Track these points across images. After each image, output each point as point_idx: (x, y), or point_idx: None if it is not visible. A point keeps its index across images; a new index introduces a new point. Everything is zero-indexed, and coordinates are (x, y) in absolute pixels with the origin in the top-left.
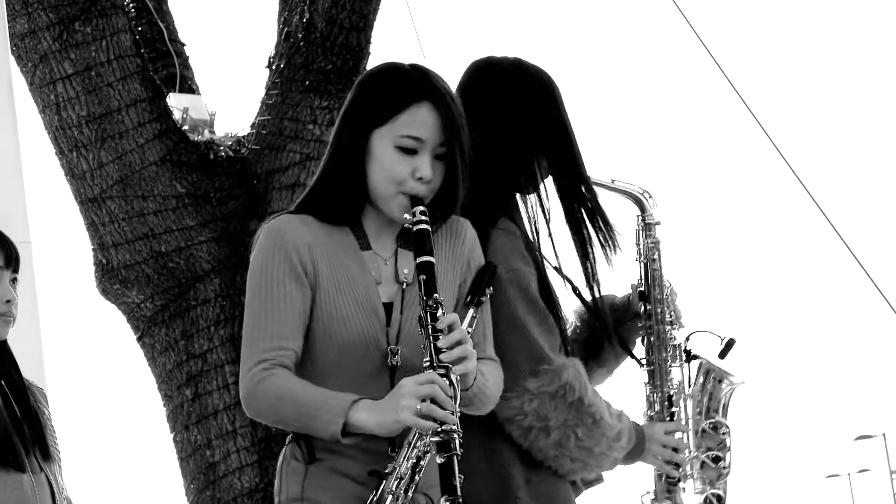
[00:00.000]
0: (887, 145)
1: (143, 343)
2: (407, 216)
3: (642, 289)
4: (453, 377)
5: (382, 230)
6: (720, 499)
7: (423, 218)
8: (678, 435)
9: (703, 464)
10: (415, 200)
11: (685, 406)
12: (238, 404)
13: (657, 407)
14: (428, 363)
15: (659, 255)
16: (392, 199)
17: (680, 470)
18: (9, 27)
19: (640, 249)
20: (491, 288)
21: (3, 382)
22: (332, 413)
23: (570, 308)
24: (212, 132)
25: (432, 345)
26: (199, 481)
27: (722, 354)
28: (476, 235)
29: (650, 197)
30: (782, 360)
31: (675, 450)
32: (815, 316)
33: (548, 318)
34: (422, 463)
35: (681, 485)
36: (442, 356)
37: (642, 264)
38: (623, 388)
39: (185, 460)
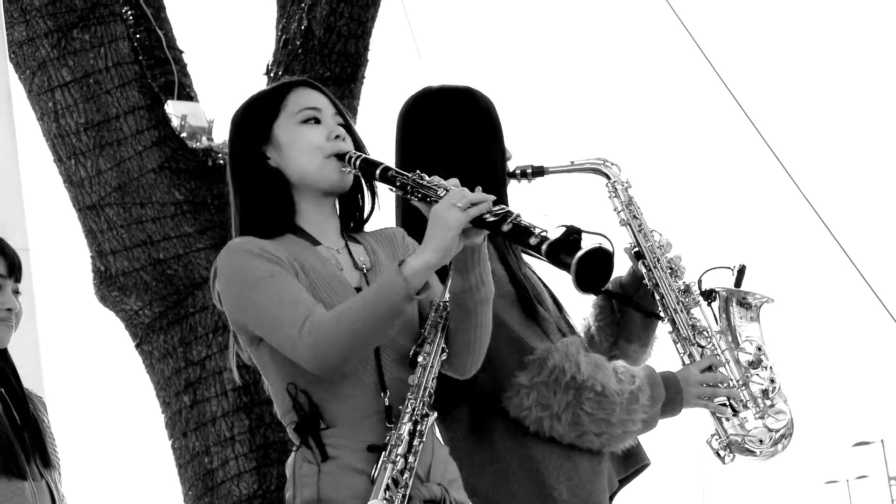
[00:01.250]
0: (887, 151)
1: (142, 350)
2: (344, 168)
3: (636, 249)
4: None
5: (325, 227)
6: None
7: (358, 153)
8: (720, 370)
9: (751, 388)
10: (343, 156)
11: (718, 343)
12: (237, 411)
13: (686, 351)
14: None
15: (639, 211)
16: (323, 167)
17: (730, 402)
18: (7, 34)
19: (618, 213)
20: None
21: (3, 390)
22: (388, 283)
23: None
24: (210, 139)
25: (441, 186)
26: (198, 488)
27: (737, 283)
28: (413, 242)
29: (611, 164)
30: (777, 359)
31: (719, 386)
32: (813, 322)
33: (529, 308)
34: (419, 427)
35: (740, 416)
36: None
37: (627, 226)
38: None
39: (184, 467)
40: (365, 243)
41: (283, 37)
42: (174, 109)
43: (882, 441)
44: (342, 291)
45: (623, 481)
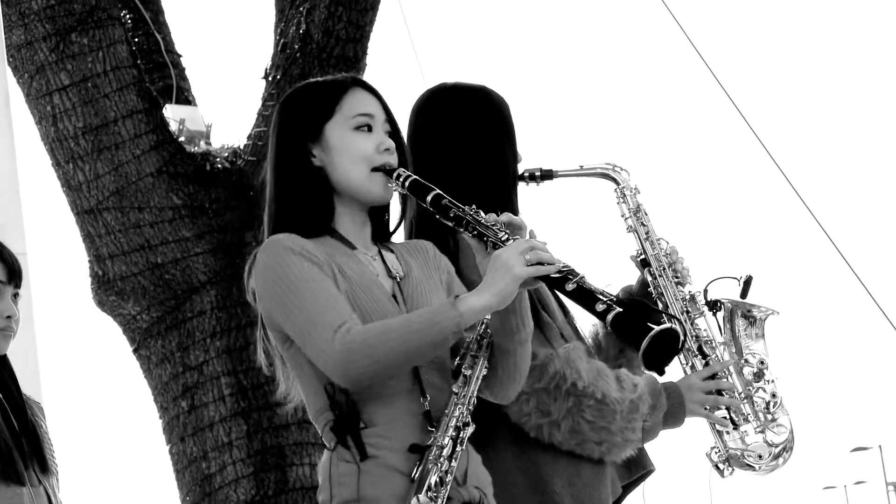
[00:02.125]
0: (890, 161)
1: (139, 355)
2: (391, 185)
3: (642, 256)
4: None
5: (358, 234)
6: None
7: (408, 173)
8: (721, 379)
9: (753, 400)
10: (389, 171)
11: (721, 354)
12: (235, 416)
13: (689, 362)
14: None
15: (646, 217)
16: (368, 180)
17: (731, 413)
18: (5, 38)
19: (626, 220)
20: None
21: (1, 396)
22: (442, 313)
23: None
24: (208, 143)
25: (502, 232)
26: (195, 493)
27: (743, 294)
28: (445, 258)
29: (620, 169)
30: (778, 371)
31: (721, 394)
32: (811, 328)
33: (532, 313)
34: (461, 434)
35: (740, 429)
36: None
37: (634, 233)
38: None
39: (181, 472)
40: (397, 252)
41: (282, 41)
42: (172, 113)
43: (880, 447)
44: (380, 296)
45: (627, 487)
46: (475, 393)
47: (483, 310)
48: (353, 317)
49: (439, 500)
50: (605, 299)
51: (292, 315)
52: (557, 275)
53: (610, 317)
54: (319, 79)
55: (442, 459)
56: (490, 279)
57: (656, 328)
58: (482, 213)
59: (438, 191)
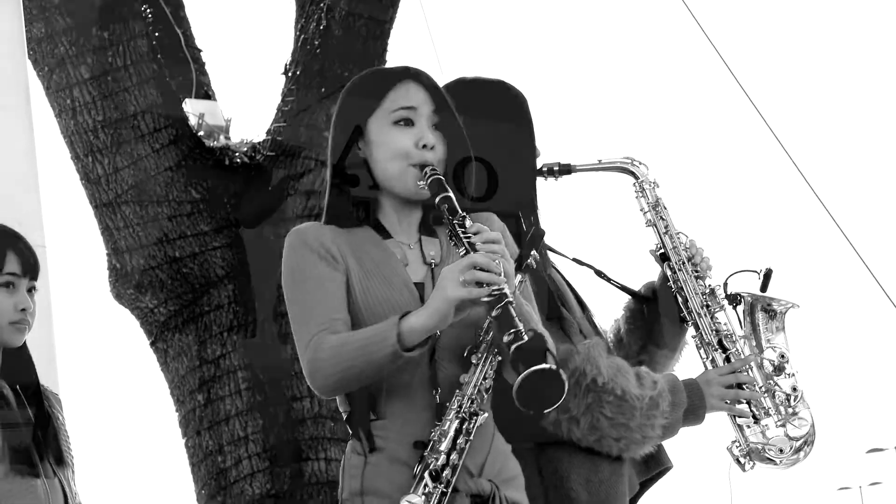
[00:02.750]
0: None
1: (157, 348)
2: (420, 182)
3: (661, 250)
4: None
5: (402, 221)
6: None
7: (435, 171)
8: (742, 372)
9: (773, 394)
10: (424, 167)
11: (742, 348)
12: (251, 410)
13: (709, 356)
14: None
15: (665, 211)
16: (404, 174)
17: (753, 406)
18: (26, 31)
19: (645, 214)
20: (536, 253)
21: (18, 387)
22: (383, 332)
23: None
24: (227, 138)
25: (466, 241)
26: (211, 487)
27: (763, 287)
28: (504, 226)
29: (639, 163)
30: (798, 365)
31: (741, 387)
32: (827, 328)
33: (551, 308)
34: (465, 426)
35: (761, 423)
36: (477, 245)
37: (653, 227)
38: None
39: (197, 466)
40: (442, 235)
41: (302, 36)
42: (192, 108)
43: (895, 448)
44: (398, 286)
45: (645, 484)
46: (482, 382)
47: (422, 329)
48: (335, 322)
49: (434, 496)
50: (515, 330)
51: (292, 308)
52: (487, 298)
53: (513, 347)
54: (378, 68)
55: (438, 453)
56: (431, 297)
57: (532, 368)
58: (468, 222)
59: (447, 194)
